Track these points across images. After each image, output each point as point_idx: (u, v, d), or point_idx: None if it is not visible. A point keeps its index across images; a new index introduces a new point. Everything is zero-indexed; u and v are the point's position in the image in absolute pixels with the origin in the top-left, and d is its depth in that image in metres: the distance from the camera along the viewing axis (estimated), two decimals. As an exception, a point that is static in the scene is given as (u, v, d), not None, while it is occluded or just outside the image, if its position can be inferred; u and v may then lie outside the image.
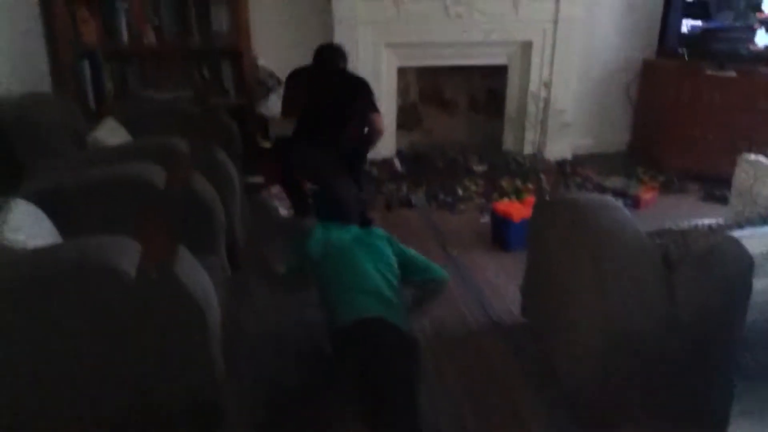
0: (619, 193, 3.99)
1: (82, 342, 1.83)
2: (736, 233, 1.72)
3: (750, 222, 2.04)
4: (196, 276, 1.96)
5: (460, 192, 4.06)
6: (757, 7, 4.24)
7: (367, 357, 2.10)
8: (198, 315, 1.90)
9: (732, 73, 4.22)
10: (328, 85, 3.53)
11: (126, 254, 1.85)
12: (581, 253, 2.11)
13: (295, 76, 3.66)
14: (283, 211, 3.79)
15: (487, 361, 2.46)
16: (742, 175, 2.10)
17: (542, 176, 4.24)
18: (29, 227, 2.04)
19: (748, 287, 1.65)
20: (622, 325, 1.87)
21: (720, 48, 4.36)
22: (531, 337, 2.57)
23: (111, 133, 3.07)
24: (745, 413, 1.81)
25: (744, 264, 1.65)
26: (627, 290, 1.91)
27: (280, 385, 2.30)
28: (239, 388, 2.23)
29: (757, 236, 1.73)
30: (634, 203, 3.88)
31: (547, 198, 2.73)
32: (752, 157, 2.12)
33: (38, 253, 1.92)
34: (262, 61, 4.23)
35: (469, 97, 4.94)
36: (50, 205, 2.19)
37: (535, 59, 4.54)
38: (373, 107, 3.46)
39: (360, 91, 3.49)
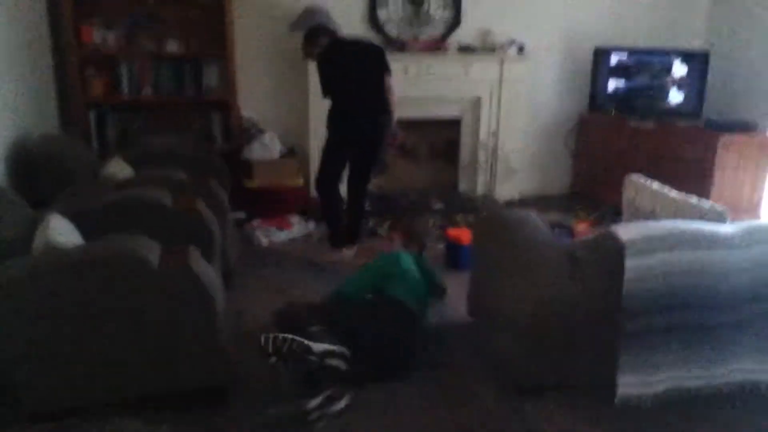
0: (556, 225, 4.59)
1: (112, 321, 2.31)
2: (613, 227, 2.32)
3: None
4: (206, 269, 2.48)
5: (420, 227, 4.62)
6: (669, 70, 4.98)
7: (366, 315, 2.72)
8: (208, 300, 2.39)
9: (651, 125, 4.93)
10: (353, 57, 4.02)
11: (149, 249, 2.37)
12: (508, 255, 2.68)
13: (324, 59, 3.99)
14: (265, 241, 4.30)
15: (444, 350, 2.97)
16: (627, 192, 2.71)
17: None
18: (66, 234, 2.53)
19: (621, 265, 2.23)
20: (544, 298, 2.41)
21: (640, 104, 5.07)
22: (476, 330, 3.10)
23: (119, 169, 3.59)
24: (628, 368, 2.35)
25: (616, 247, 2.23)
26: (544, 278, 2.47)
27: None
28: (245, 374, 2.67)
29: (628, 228, 2.32)
30: (570, 233, 4.48)
31: (483, 215, 3.28)
32: (634, 177, 2.74)
33: (80, 247, 2.43)
34: (246, 112, 4.80)
35: (429, 146, 5.54)
36: (76, 222, 2.68)
37: (484, 113, 5.19)
38: (388, 69, 4.03)
39: (379, 56, 4.03)
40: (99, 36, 4.40)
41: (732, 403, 2.46)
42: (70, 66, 4.28)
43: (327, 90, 3.96)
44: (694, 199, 2.55)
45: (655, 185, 2.68)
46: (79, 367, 2.35)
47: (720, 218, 2.48)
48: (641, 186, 2.67)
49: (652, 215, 2.58)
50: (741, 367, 2.44)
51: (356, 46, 4.11)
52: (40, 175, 3.31)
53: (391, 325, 2.73)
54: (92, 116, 4.46)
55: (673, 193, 2.62)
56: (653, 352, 2.33)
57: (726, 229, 2.39)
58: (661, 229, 2.31)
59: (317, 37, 4.06)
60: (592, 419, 2.41)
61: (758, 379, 2.45)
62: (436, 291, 3.30)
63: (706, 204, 2.52)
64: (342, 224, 4.22)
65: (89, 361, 2.35)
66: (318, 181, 4.14)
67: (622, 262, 2.23)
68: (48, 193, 3.12)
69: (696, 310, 2.32)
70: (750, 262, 2.33)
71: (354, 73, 3.98)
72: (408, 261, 3.14)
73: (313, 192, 4.30)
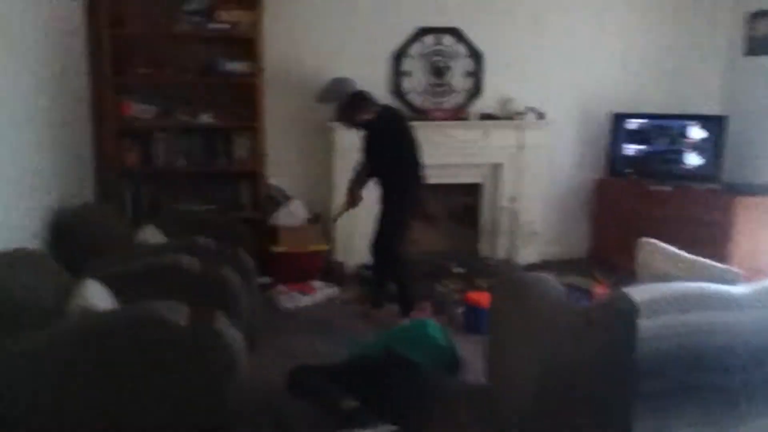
0: (575, 288, 4.63)
1: (139, 382, 2.40)
2: (626, 289, 2.37)
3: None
4: (231, 332, 2.57)
5: (440, 289, 4.69)
6: (686, 134, 5.07)
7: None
8: (232, 363, 2.48)
9: (669, 188, 4.99)
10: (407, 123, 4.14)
11: (178, 312, 2.48)
12: (522, 317, 2.74)
13: (385, 126, 4.07)
14: (289, 305, 4.40)
15: (455, 413, 2.99)
16: (641, 255, 2.76)
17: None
18: (99, 297, 2.66)
19: (634, 327, 2.27)
20: (552, 360, 2.45)
21: (658, 168, 5.16)
22: (491, 394, 3.12)
23: (152, 236, 3.76)
24: (644, 429, 2.36)
25: (630, 308, 2.28)
26: (555, 339, 2.52)
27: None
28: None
29: (641, 290, 2.37)
30: (588, 296, 4.50)
31: (500, 277, 3.35)
32: (648, 240, 2.80)
33: (112, 311, 2.55)
34: (273, 180, 4.99)
35: (449, 210, 5.66)
36: (110, 287, 2.81)
37: (505, 178, 5.32)
38: None
39: None
40: (137, 110, 4.65)
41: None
42: (109, 138, 4.52)
43: (392, 158, 3.98)
44: (707, 261, 2.59)
45: (669, 248, 2.73)
46: (104, 424, 2.43)
47: (734, 280, 2.52)
48: (654, 249, 2.73)
49: (665, 277, 2.63)
50: (759, 428, 2.43)
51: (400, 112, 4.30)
52: (78, 243, 3.46)
53: (399, 384, 2.80)
54: (127, 185, 4.66)
55: (687, 256, 2.67)
56: (668, 414, 2.33)
57: (740, 289, 2.42)
58: (674, 290, 2.35)
59: (366, 102, 4.07)
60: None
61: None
62: (453, 366, 3.29)
63: (719, 265, 2.57)
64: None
65: (114, 419, 2.42)
66: (398, 248, 4.12)
67: (636, 322, 2.27)
68: (84, 260, 3.25)
69: (711, 372, 2.34)
70: (765, 323, 2.36)
71: (414, 140, 4.07)
72: (436, 329, 3.20)
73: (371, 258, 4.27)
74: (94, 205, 4.11)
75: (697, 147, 5.07)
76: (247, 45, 4.65)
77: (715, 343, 2.33)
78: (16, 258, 2.67)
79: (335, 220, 4.17)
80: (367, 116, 4.03)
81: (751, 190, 4.74)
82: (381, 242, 4.10)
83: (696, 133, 5.06)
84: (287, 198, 4.94)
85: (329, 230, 5.03)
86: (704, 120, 5.10)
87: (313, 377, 2.92)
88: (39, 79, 3.40)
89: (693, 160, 5.08)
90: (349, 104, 4.09)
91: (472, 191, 5.52)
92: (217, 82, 4.73)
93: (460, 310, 4.19)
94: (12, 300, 2.45)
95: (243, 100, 4.75)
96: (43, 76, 3.48)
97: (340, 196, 4.83)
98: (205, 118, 4.73)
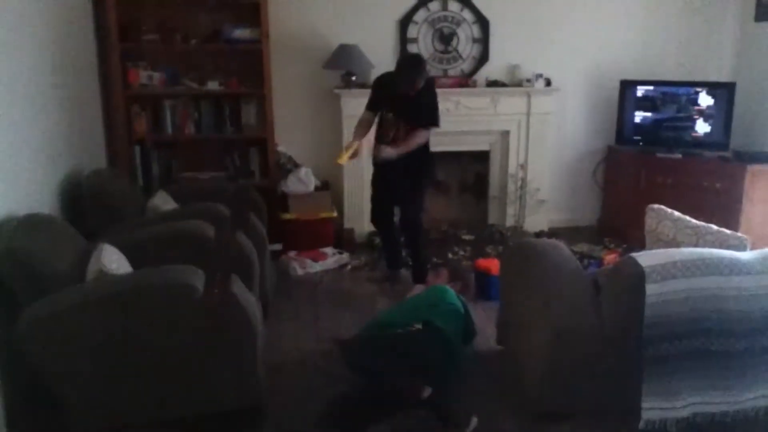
0: (585, 256, 4.68)
1: (158, 344, 2.47)
2: (634, 254, 2.41)
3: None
4: (247, 296, 2.63)
5: (450, 256, 4.74)
6: (695, 102, 5.05)
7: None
8: (249, 326, 2.54)
9: (678, 156, 4.99)
10: None
11: (195, 277, 2.53)
12: (533, 283, 2.77)
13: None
14: (300, 272, 4.45)
15: (468, 377, 3.05)
16: (649, 221, 2.79)
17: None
18: (117, 262, 2.71)
19: (642, 291, 2.32)
20: (563, 329, 2.50)
21: (668, 135, 5.15)
22: (502, 358, 3.19)
23: (164, 202, 3.79)
24: (652, 392, 2.42)
25: (638, 273, 2.32)
26: (567, 305, 2.56)
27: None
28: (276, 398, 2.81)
29: (648, 255, 2.41)
30: (600, 264, 4.54)
31: (510, 243, 3.38)
32: (656, 206, 2.82)
33: (130, 274, 2.60)
34: (281, 148, 5.01)
35: (459, 179, 5.69)
36: (125, 252, 2.85)
37: (513, 145, 5.32)
38: None
39: None
40: (144, 77, 4.66)
41: (757, 428, 2.50)
42: (117, 106, 4.54)
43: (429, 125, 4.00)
44: (714, 227, 2.63)
45: (676, 214, 2.76)
46: (124, 388, 2.50)
47: (740, 245, 2.56)
48: (663, 215, 2.76)
49: (673, 243, 2.66)
50: (765, 392, 2.47)
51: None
52: (91, 209, 3.50)
53: (429, 352, 2.85)
54: (137, 153, 4.69)
55: (694, 222, 2.70)
56: (676, 377, 2.39)
57: (746, 255, 2.46)
58: (681, 255, 2.39)
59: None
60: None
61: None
62: (469, 334, 3.30)
63: (726, 231, 2.60)
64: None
65: (134, 383, 2.50)
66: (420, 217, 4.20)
67: (643, 287, 2.31)
68: (98, 226, 3.31)
69: (717, 336, 2.39)
70: (770, 289, 2.39)
71: None
72: (453, 296, 3.25)
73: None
74: (107, 171, 4.13)
75: (706, 114, 5.05)
76: (253, 11, 4.62)
77: (723, 308, 2.38)
78: (33, 223, 2.72)
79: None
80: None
81: (760, 158, 4.73)
82: (414, 212, 4.13)
83: (704, 100, 5.04)
84: (296, 165, 4.96)
85: (339, 197, 5.07)
86: (713, 87, 5.07)
87: (371, 354, 2.92)
88: (46, 48, 3.41)
89: (702, 127, 5.07)
90: (420, 66, 3.88)
91: (481, 159, 5.52)
92: (225, 48, 4.72)
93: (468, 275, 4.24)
94: (32, 264, 2.50)
95: (250, 67, 4.75)
96: (50, 44, 3.48)
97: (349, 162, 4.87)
98: (213, 86, 4.73)
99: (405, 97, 3.86)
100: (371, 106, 4.09)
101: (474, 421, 2.57)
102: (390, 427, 2.61)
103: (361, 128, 4.08)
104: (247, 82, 4.79)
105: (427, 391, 2.63)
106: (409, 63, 3.90)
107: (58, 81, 3.54)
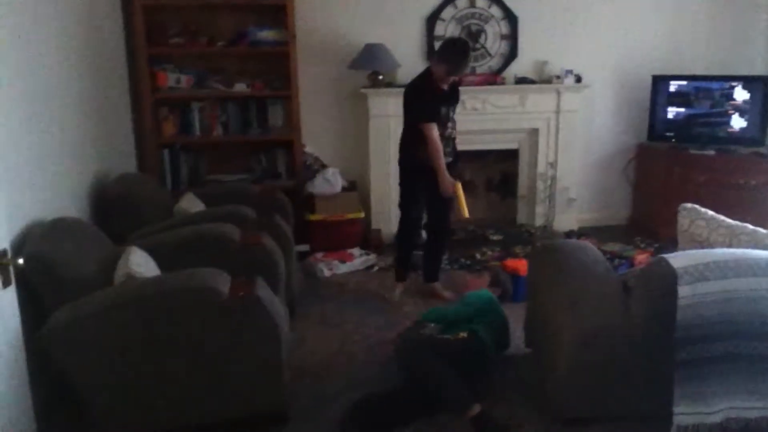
0: (616, 256, 4.60)
1: (185, 349, 2.47)
2: (666, 255, 2.34)
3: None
4: (272, 299, 2.62)
5: (478, 256, 4.70)
6: (730, 96, 4.93)
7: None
8: (274, 329, 2.53)
9: (712, 152, 4.88)
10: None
11: (220, 280, 2.53)
12: (561, 284, 2.72)
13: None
14: (327, 273, 4.45)
15: (497, 380, 3.02)
16: (682, 221, 2.72)
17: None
18: (145, 265, 2.73)
19: (673, 293, 2.25)
20: (590, 331, 2.46)
21: (701, 131, 5.03)
22: (530, 361, 3.14)
23: (192, 204, 3.81)
24: (684, 397, 2.35)
25: (669, 274, 2.26)
26: (594, 307, 2.51)
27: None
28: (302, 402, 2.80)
29: (681, 256, 2.34)
30: (631, 264, 4.45)
31: (538, 244, 3.33)
32: (689, 205, 2.75)
33: (157, 278, 2.62)
34: (308, 148, 5.01)
35: (486, 178, 5.64)
36: (152, 255, 2.88)
37: (542, 144, 5.25)
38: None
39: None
40: (172, 80, 4.69)
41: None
42: (146, 109, 4.58)
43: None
44: (749, 227, 2.55)
45: (710, 213, 2.69)
46: (148, 393, 2.50)
47: (776, 246, 2.47)
48: (695, 214, 2.69)
49: (706, 243, 2.59)
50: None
51: None
52: (119, 212, 3.53)
53: (469, 363, 2.85)
54: (165, 155, 4.73)
55: (728, 221, 2.63)
56: (709, 381, 2.33)
57: (782, 256, 2.38)
58: (714, 256, 2.32)
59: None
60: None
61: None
62: (503, 345, 3.26)
63: (761, 231, 2.52)
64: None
65: (159, 387, 2.50)
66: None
67: (675, 289, 2.25)
68: (126, 229, 3.33)
69: (752, 339, 2.31)
70: (808, 290, 2.31)
71: None
72: (497, 304, 3.24)
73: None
74: (135, 175, 4.18)
75: (741, 109, 4.92)
76: (278, 12, 4.63)
77: (757, 311, 2.30)
78: (61, 227, 2.74)
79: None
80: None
81: (798, 153, 4.61)
82: (447, 212, 4.01)
83: (739, 94, 4.91)
84: (323, 166, 4.96)
85: (366, 198, 5.05)
86: (748, 81, 4.94)
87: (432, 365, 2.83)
88: (75, 52, 3.45)
89: (736, 123, 4.94)
90: (469, 52, 3.76)
91: (509, 158, 5.46)
92: (251, 50, 4.73)
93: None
94: (58, 269, 2.52)
95: (277, 69, 4.76)
96: (80, 49, 3.52)
97: (375, 162, 4.87)
98: (240, 87, 4.75)
99: (451, 89, 3.83)
100: (436, 116, 3.74)
101: None
102: None
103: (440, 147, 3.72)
104: (274, 84, 4.80)
105: (476, 409, 2.59)
106: (467, 46, 3.77)
107: (88, 85, 3.58)
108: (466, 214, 3.80)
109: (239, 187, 4.37)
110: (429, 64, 3.79)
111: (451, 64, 3.65)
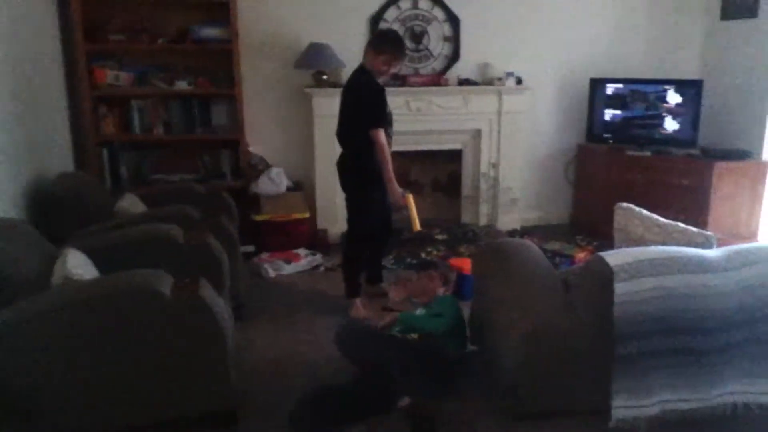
0: (557, 254, 4.71)
1: (127, 350, 2.42)
2: (602, 253, 2.42)
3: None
4: (216, 300, 2.59)
5: (423, 256, 4.74)
6: (664, 99, 5.11)
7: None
8: (218, 329, 2.51)
9: (648, 154, 5.05)
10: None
11: (162, 281, 2.49)
12: (504, 283, 2.78)
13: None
14: (272, 273, 4.42)
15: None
16: (618, 219, 2.82)
17: (494, 242, 4.94)
18: (83, 267, 2.66)
19: (610, 290, 2.33)
20: (536, 326, 2.51)
21: (638, 133, 5.20)
22: (476, 359, 3.18)
23: (132, 205, 3.73)
24: (622, 391, 2.43)
25: (606, 272, 2.34)
26: (538, 304, 2.57)
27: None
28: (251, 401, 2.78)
29: (617, 254, 2.42)
30: (571, 262, 4.58)
31: (482, 244, 3.39)
32: (624, 205, 2.85)
33: (96, 280, 2.56)
34: (253, 148, 4.96)
35: (432, 179, 5.69)
36: (92, 257, 2.80)
37: (485, 145, 5.34)
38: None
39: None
40: (112, 76, 4.58)
41: (726, 424, 2.53)
42: (84, 107, 4.46)
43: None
44: (680, 225, 2.65)
45: (644, 213, 2.79)
46: (94, 396, 2.44)
47: (707, 243, 2.59)
48: (631, 213, 2.78)
49: (641, 241, 2.69)
50: (734, 389, 2.50)
51: None
52: (57, 212, 3.43)
53: (418, 364, 2.84)
54: (105, 154, 4.62)
55: (662, 220, 2.73)
56: (646, 376, 2.41)
57: (712, 253, 2.49)
58: (649, 254, 2.41)
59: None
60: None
61: (750, 401, 2.51)
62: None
63: (693, 229, 2.63)
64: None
65: (105, 390, 2.44)
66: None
67: (612, 287, 2.33)
68: (65, 230, 3.23)
69: (686, 334, 2.41)
70: (737, 286, 2.42)
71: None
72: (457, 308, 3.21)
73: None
74: (74, 174, 4.06)
75: (675, 112, 5.10)
76: (222, 10, 4.58)
77: (690, 306, 2.40)
78: (-2, 228, 2.65)
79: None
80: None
81: (728, 155, 4.81)
82: (391, 221, 4.01)
83: (673, 97, 5.10)
84: (268, 165, 4.92)
85: (312, 198, 5.04)
86: (680, 84, 5.13)
87: (373, 350, 2.88)
88: (7, 48, 3.33)
89: (670, 125, 5.12)
90: (402, 44, 3.69)
91: (454, 158, 5.53)
92: (193, 48, 4.67)
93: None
94: (-4, 270, 2.44)
95: (220, 67, 4.71)
96: (10, 44, 3.41)
97: (321, 162, 4.86)
98: (183, 86, 4.68)
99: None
100: (388, 119, 3.65)
101: None
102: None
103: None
104: (218, 82, 4.74)
105: (404, 401, 2.61)
106: (399, 34, 3.69)
107: (20, 82, 3.47)
108: (418, 227, 3.72)
109: (184, 188, 4.29)
110: (362, 61, 3.66)
111: (392, 53, 3.56)
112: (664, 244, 2.62)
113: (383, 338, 3.03)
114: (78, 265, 2.62)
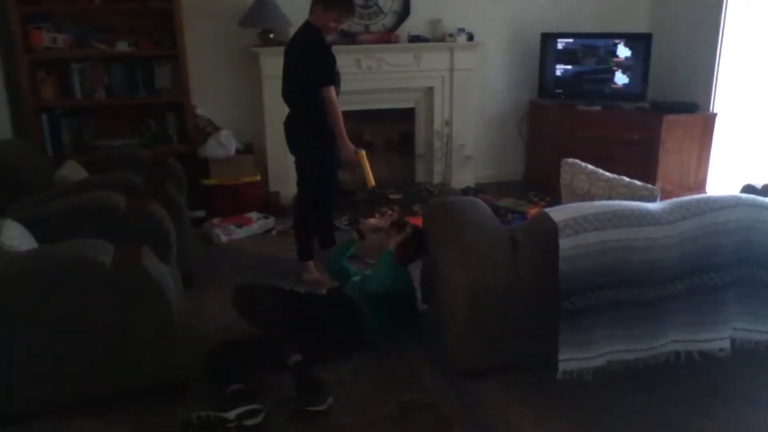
0: (510, 211, 4.74)
1: (69, 322, 2.36)
2: (547, 209, 2.43)
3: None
4: (159, 268, 2.54)
5: (377, 216, 4.72)
6: (614, 53, 5.12)
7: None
8: (162, 299, 2.46)
9: (598, 108, 5.08)
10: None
11: (103, 251, 2.42)
12: (452, 241, 2.77)
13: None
14: (224, 238, 4.35)
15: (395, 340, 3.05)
16: (564, 175, 2.83)
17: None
18: (20, 239, 2.57)
19: (555, 246, 2.35)
20: (482, 284, 2.52)
21: (588, 88, 5.22)
22: (427, 316, 3.21)
23: (74, 172, 3.61)
24: (568, 344, 2.47)
25: (551, 228, 2.35)
26: (483, 263, 2.58)
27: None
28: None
29: (561, 210, 2.44)
30: (523, 218, 4.61)
31: (431, 202, 3.37)
32: (570, 160, 2.86)
33: (33, 252, 2.47)
34: (200, 111, 4.84)
35: (385, 138, 5.64)
36: (30, 228, 2.71)
37: (437, 102, 5.31)
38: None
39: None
40: (49, 39, 4.39)
41: (668, 372, 2.60)
42: (20, 71, 4.28)
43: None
44: (625, 179, 2.67)
45: (590, 168, 2.80)
46: (38, 369, 2.40)
47: (651, 197, 2.61)
48: (577, 169, 2.80)
49: (587, 196, 2.70)
50: (676, 338, 2.56)
51: None
52: (-7, 183, 3.31)
53: (339, 315, 2.87)
54: (44, 120, 4.45)
55: (607, 175, 2.75)
56: (591, 328, 2.44)
57: (655, 206, 2.52)
58: (592, 208, 2.43)
59: None
60: (531, 393, 2.56)
61: (691, 348, 2.58)
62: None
63: (637, 183, 2.65)
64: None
65: (49, 363, 2.40)
66: None
67: (556, 242, 2.34)
68: (1, 201, 3.13)
69: (629, 287, 2.44)
70: (679, 238, 2.46)
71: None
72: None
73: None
74: (10, 141, 3.91)
75: (624, 66, 5.12)
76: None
77: (634, 259, 2.43)
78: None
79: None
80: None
81: (677, 108, 4.86)
82: (337, 180, 4.00)
83: (622, 51, 5.10)
84: (216, 128, 4.81)
85: (262, 161, 4.96)
86: (630, 38, 5.13)
87: (265, 307, 2.80)
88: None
89: (620, 79, 5.14)
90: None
91: (406, 117, 5.48)
92: (134, 7, 4.49)
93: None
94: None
95: (163, 27, 4.56)
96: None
97: (270, 123, 4.76)
98: (124, 47, 4.51)
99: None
100: (336, 76, 3.62)
101: (329, 400, 2.51)
102: (252, 386, 2.58)
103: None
104: (160, 43, 4.59)
105: (294, 358, 2.59)
106: None
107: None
108: (372, 182, 3.71)
109: (128, 153, 4.16)
110: (309, 17, 3.56)
111: (342, 9, 3.49)
112: (609, 198, 2.64)
113: (277, 292, 2.94)
114: (14, 237, 2.53)
